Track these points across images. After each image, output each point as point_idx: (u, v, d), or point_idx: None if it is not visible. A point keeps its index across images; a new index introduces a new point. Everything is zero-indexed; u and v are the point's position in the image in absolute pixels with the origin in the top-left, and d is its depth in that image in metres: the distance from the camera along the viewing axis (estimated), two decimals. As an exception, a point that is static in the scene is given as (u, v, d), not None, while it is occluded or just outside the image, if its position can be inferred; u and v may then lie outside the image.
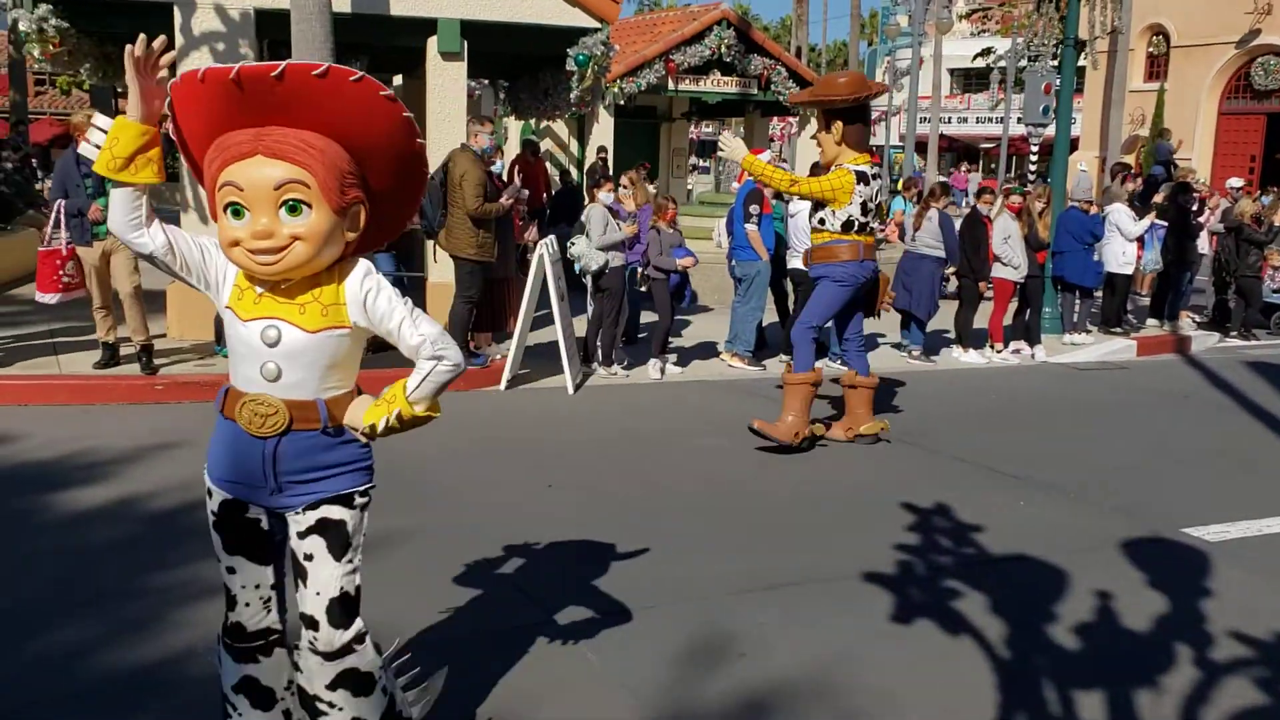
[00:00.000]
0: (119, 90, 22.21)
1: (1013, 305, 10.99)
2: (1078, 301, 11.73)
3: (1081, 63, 17.10)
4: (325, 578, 2.75)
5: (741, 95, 19.11)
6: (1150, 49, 29.28)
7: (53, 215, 7.71)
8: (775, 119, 30.10)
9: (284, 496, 2.72)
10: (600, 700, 3.67)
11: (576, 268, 8.85)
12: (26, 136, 19.55)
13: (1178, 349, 12.04)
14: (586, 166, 17.51)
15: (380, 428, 2.65)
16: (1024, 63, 24.11)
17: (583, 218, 9.06)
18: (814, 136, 7.05)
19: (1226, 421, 8.59)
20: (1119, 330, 12.16)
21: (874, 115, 34.79)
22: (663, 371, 9.20)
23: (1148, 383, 10.14)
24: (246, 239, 2.50)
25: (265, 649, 2.90)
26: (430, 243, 9.25)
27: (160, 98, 2.56)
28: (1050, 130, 15.47)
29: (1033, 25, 21.98)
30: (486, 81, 18.39)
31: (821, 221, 7.00)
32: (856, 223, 6.88)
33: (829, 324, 7.37)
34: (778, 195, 10.16)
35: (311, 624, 2.77)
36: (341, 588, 2.76)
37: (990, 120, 40.00)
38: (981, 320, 10.81)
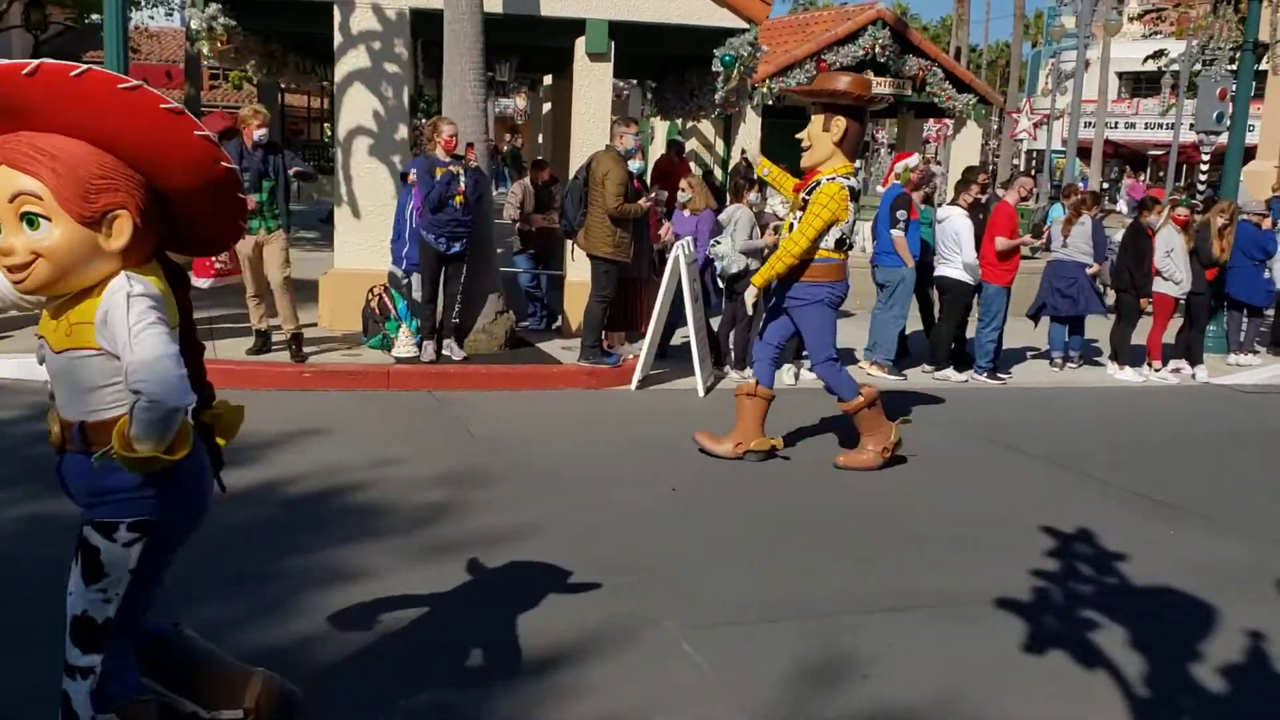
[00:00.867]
0: (283, 86, 23.15)
1: (1175, 323, 10.46)
2: (1245, 320, 11.08)
3: (1262, 66, 16.13)
4: (74, 593, 2.64)
5: (895, 96, 18.68)
6: (1340, 52, 27.48)
7: None
8: (930, 120, 29.41)
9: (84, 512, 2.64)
10: (711, 714, 3.61)
11: (717, 269, 8.79)
12: (200, 129, 20.51)
13: (1356, 374, 11.24)
14: (730, 167, 17.42)
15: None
16: (1198, 66, 22.92)
17: (722, 218, 8.99)
18: (798, 135, 6.52)
19: None
20: (1291, 351, 11.45)
21: (1036, 119, 33.82)
22: (797, 377, 9.07)
23: (1321, 409, 9.51)
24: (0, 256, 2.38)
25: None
26: (569, 242, 9.34)
27: None
28: (1224, 139, 14.65)
29: (1209, 27, 20.85)
30: (635, 82, 18.48)
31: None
32: (847, 240, 6.41)
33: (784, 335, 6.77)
34: (926, 200, 9.92)
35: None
36: (85, 609, 2.61)
37: (1160, 126, 38.25)
38: (1140, 337, 10.31)
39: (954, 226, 9.34)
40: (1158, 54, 32.91)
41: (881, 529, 5.61)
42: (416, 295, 8.40)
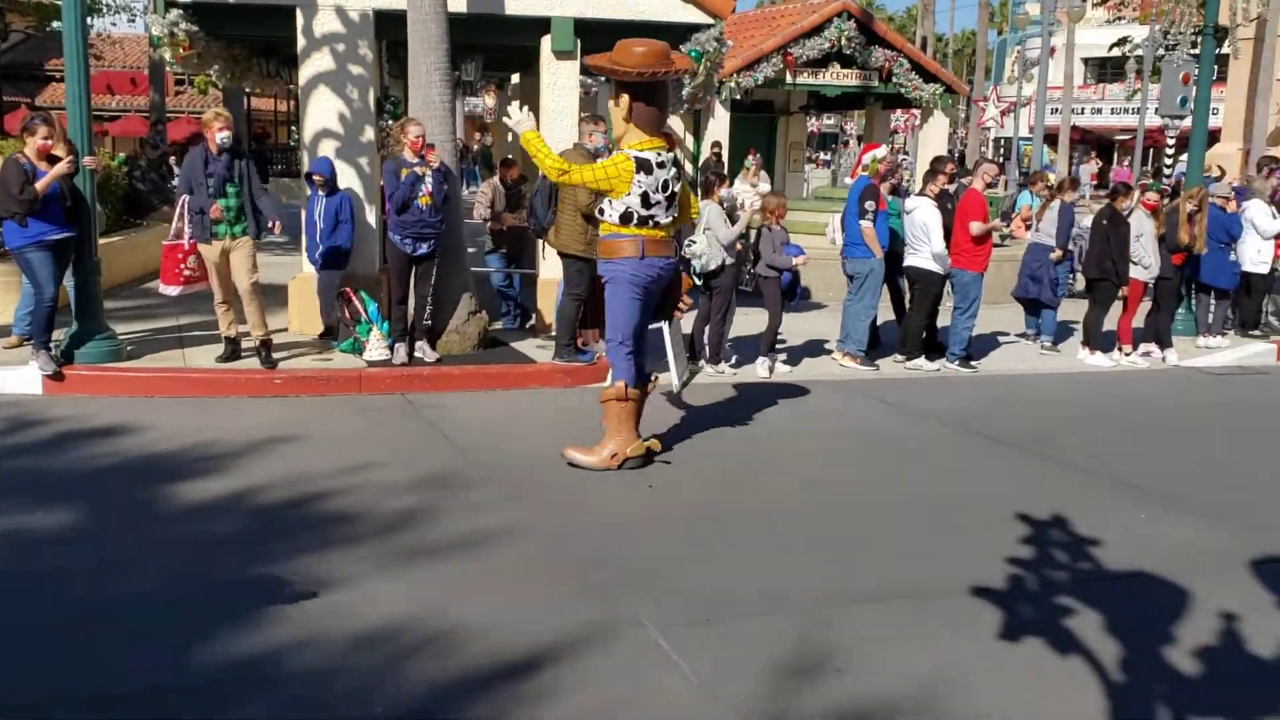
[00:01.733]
0: (248, 90, 22.97)
1: (1144, 307, 10.55)
2: (1213, 303, 11.18)
3: (1223, 51, 16.30)
4: None
5: (862, 88, 18.75)
6: (1301, 35, 27.78)
7: (178, 210, 7.99)
8: (898, 111, 29.51)
9: None
10: (689, 710, 3.61)
11: (695, 266, 8.77)
12: (164, 135, 20.37)
13: (1323, 353, 11.37)
14: (700, 162, 17.43)
15: None
16: (1162, 51, 23.10)
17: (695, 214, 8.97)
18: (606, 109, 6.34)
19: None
20: (1257, 333, 11.55)
21: (1003, 107, 34.00)
22: (771, 370, 9.08)
23: (1289, 389, 9.61)
24: None
25: None
26: (540, 241, 9.31)
27: None
28: (1188, 122, 14.78)
29: (1170, 12, 21.01)
30: (604, 79, 18.44)
31: (600, 211, 6.29)
32: (636, 215, 6.09)
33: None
34: (894, 191, 9.95)
35: None
36: None
37: (1126, 111, 38.50)
38: (1110, 322, 10.39)
39: (922, 217, 9.38)
40: (1122, 40, 33.13)
41: (857, 521, 5.62)
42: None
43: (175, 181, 11.56)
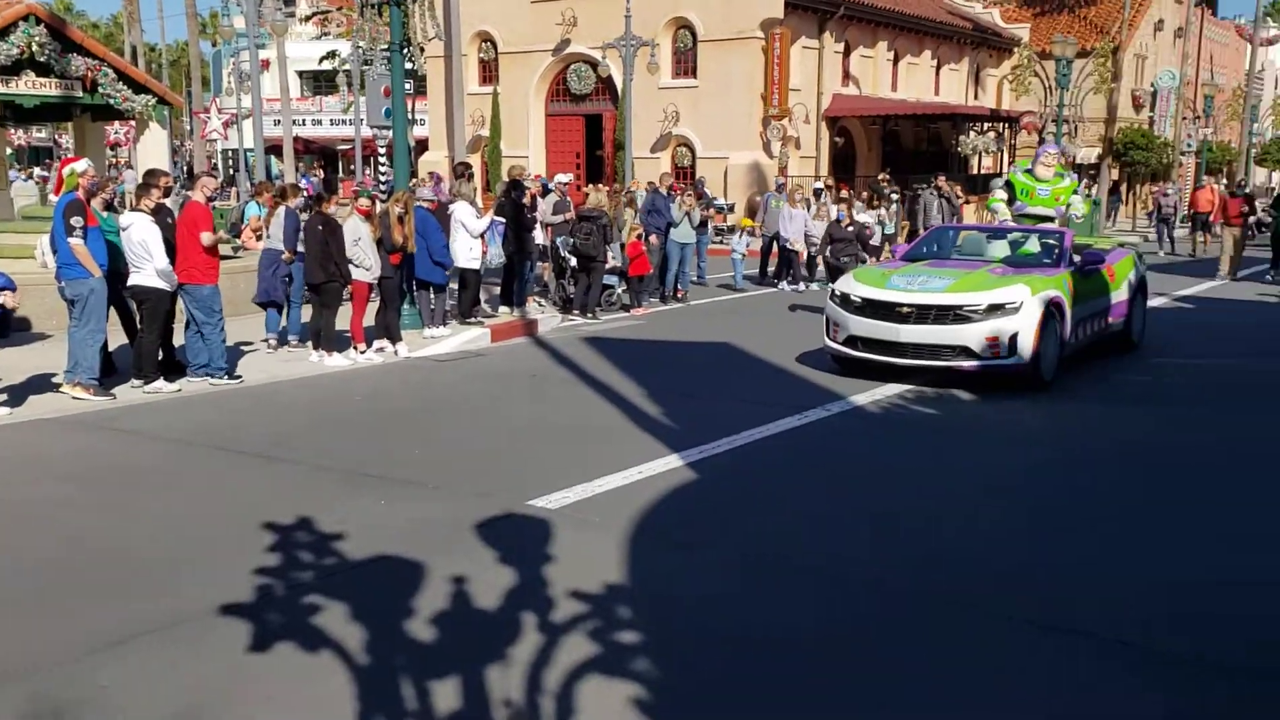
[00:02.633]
0: None
1: (373, 306, 11.20)
2: (432, 297, 12.22)
3: (413, 66, 17.76)
4: None
5: (65, 98, 17.26)
6: (481, 55, 31.39)
7: None
8: (116, 123, 27.69)
9: None
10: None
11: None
12: None
13: (527, 332, 13.03)
14: None
15: None
16: (365, 67, 24.57)
17: None
18: None
19: (570, 395, 9.46)
20: (474, 320, 12.88)
21: (226, 118, 33.63)
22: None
23: (501, 367, 10.86)
24: None
25: None
26: None
27: None
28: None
29: (363, 30, 22.43)
30: None
31: None
32: None
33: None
34: (109, 206, 9.33)
35: None
36: None
37: (344, 122, 40.34)
38: (342, 323, 10.85)
39: (139, 234, 8.94)
40: (331, 54, 34.62)
41: (67, 562, 5.22)
42: None
43: None
